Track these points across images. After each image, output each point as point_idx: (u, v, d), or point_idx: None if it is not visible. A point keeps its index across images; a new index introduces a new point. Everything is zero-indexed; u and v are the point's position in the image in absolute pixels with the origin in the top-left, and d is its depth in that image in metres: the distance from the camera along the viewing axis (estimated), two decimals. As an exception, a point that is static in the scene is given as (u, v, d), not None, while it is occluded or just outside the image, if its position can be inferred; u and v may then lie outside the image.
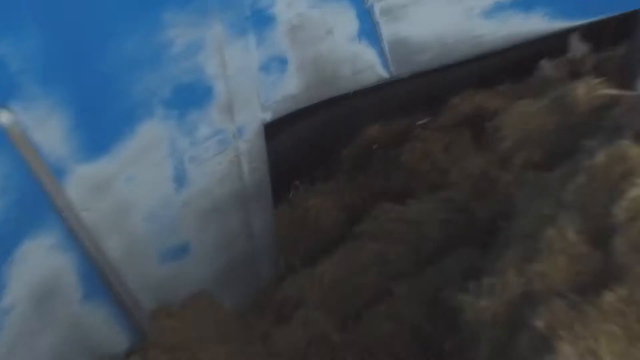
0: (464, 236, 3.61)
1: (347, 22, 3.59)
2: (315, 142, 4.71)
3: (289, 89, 3.67)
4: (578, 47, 4.46)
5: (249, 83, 3.51)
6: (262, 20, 3.36)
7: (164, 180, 3.54)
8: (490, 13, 3.80)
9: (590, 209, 2.52)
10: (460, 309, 2.76)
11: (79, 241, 3.25)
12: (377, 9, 3.59)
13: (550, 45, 4.50)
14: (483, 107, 4.39)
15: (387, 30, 3.66)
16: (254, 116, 3.64)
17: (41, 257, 3.15)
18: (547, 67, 4.49)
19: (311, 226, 4.56)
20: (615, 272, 2.38)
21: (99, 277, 3.42)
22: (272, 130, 3.84)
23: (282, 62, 3.56)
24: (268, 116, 3.69)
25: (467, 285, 2.77)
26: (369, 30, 3.63)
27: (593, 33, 4.59)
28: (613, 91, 3.60)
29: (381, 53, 3.72)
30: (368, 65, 3.74)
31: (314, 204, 4.65)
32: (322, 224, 4.56)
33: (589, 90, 3.54)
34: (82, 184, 3.18)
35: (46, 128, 2.94)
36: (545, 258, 2.54)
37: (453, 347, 3.05)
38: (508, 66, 4.58)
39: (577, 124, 3.35)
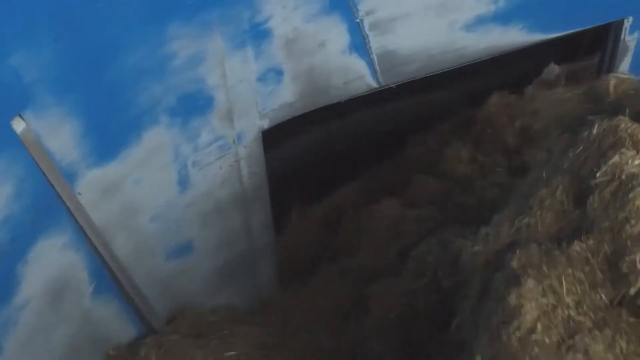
0: (442, 226, 3.65)
1: (338, 36, 3.59)
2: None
3: (285, 98, 3.67)
4: (552, 70, 4.47)
5: (247, 93, 3.52)
6: (259, 34, 3.38)
7: (169, 183, 3.55)
8: (472, 26, 3.81)
9: (579, 173, 2.62)
10: (458, 252, 2.93)
11: (89, 240, 3.27)
12: (366, 24, 3.59)
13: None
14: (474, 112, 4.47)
15: (376, 43, 3.67)
16: (252, 123, 3.65)
17: (54, 256, 3.16)
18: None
19: (306, 248, 4.67)
20: (587, 225, 2.50)
21: (108, 274, 3.44)
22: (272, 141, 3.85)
23: (279, 73, 3.57)
24: (265, 123, 3.70)
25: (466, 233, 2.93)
26: (359, 43, 3.64)
27: (571, 44, 4.62)
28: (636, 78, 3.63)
29: (370, 64, 3.73)
30: (358, 76, 3.74)
31: (307, 227, 4.76)
32: (314, 247, 4.65)
33: (618, 82, 3.58)
34: (92, 186, 3.20)
35: (59, 135, 2.95)
36: (534, 213, 2.66)
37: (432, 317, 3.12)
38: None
39: (603, 111, 3.42)
